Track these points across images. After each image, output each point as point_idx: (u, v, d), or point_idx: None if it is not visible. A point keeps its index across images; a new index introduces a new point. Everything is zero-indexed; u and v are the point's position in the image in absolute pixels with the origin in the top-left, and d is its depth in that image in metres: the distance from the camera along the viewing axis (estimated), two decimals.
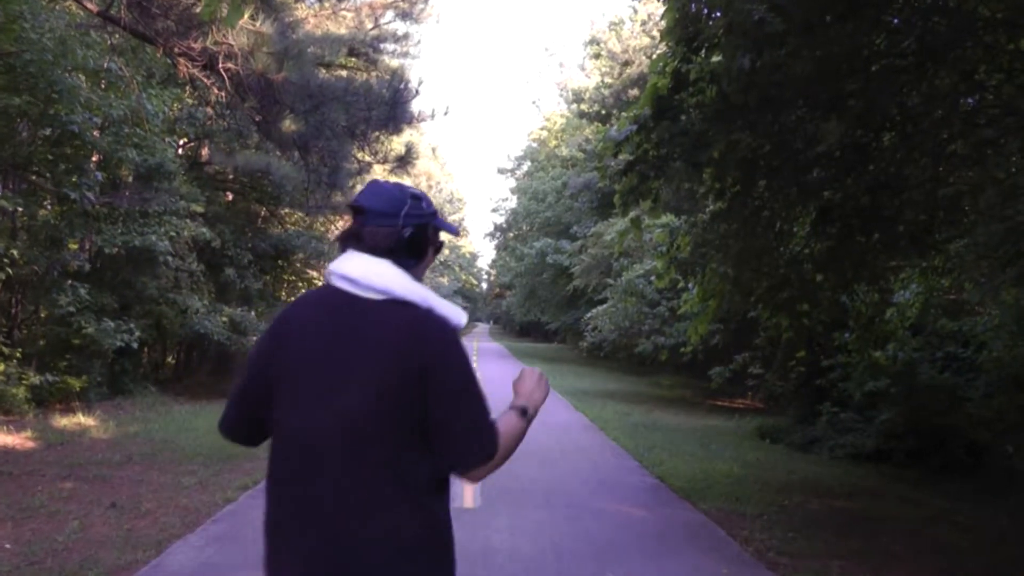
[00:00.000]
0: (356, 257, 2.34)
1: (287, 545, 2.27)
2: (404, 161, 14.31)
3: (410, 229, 2.38)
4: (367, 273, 2.30)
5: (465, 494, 8.86)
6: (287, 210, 24.75)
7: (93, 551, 6.50)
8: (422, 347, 2.22)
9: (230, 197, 23.25)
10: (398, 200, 2.40)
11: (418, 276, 2.45)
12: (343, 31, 19.24)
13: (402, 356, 2.21)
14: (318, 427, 2.22)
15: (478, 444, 2.27)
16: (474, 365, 2.27)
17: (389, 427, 2.18)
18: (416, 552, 2.19)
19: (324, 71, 14.42)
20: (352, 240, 2.38)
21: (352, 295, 2.31)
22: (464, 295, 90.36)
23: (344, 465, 2.19)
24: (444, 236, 2.59)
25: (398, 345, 2.22)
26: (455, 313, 2.36)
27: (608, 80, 50.07)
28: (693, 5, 7.69)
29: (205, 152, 20.85)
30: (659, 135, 8.31)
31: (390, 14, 20.36)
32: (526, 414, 2.55)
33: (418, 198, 2.46)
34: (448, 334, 2.30)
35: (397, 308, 2.27)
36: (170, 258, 16.49)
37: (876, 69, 7.46)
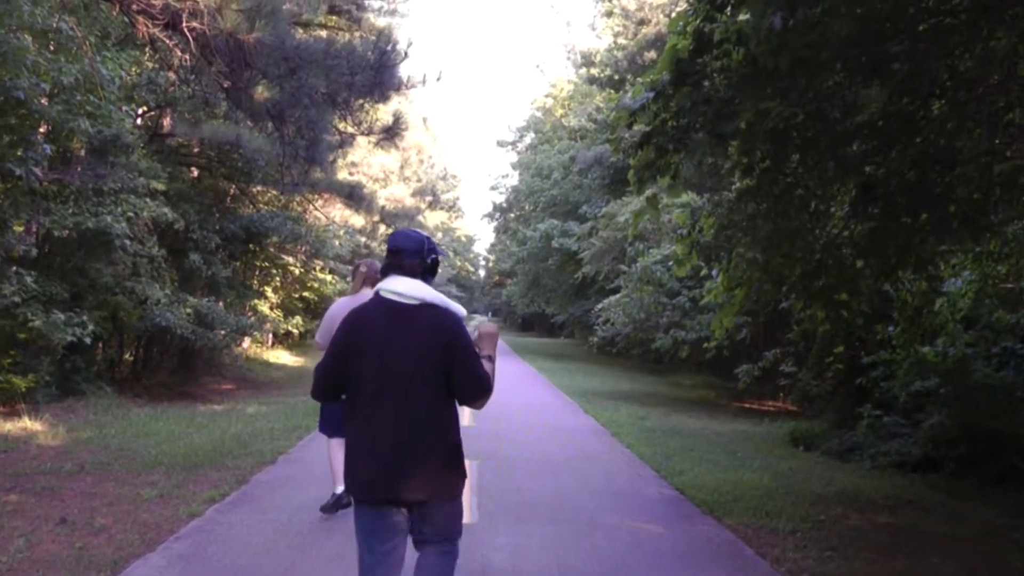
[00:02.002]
0: (400, 279, 4.54)
1: (364, 452, 4.43)
2: (391, 132, 14.27)
3: (431, 258, 4.68)
4: (409, 289, 4.50)
5: (463, 416, 8.90)
6: (259, 188, 24.76)
7: (41, 572, 6.51)
8: (445, 332, 4.44)
9: (195, 173, 23.23)
10: (420, 241, 4.68)
11: (433, 285, 4.66)
12: None
13: (434, 337, 4.42)
14: (385, 380, 4.38)
15: (480, 387, 4.47)
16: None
17: (427, 379, 4.39)
18: (443, 453, 4.45)
19: (301, 31, 14.39)
20: (396, 269, 4.58)
21: (398, 302, 4.48)
22: (459, 283, 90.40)
23: (400, 402, 4.37)
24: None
25: (431, 331, 4.43)
26: (460, 309, 4.61)
27: (621, 41, 50.02)
28: None
29: (167, 122, 20.84)
30: (679, 103, 8.29)
31: None
32: (492, 359, 4.71)
33: (428, 239, 4.75)
34: (459, 323, 4.52)
35: (428, 309, 4.48)
36: (128, 242, 16.44)
37: (924, 29, 7.45)
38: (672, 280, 26.52)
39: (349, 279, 32.46)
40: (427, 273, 4.67)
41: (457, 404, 4.58)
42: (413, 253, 4.63)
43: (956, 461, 13.29)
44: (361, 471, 4.45)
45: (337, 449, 8.82)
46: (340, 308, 8.59)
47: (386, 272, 4.65)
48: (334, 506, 8.77)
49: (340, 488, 8.80)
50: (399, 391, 4.39)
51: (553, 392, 25.25)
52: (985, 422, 12.83)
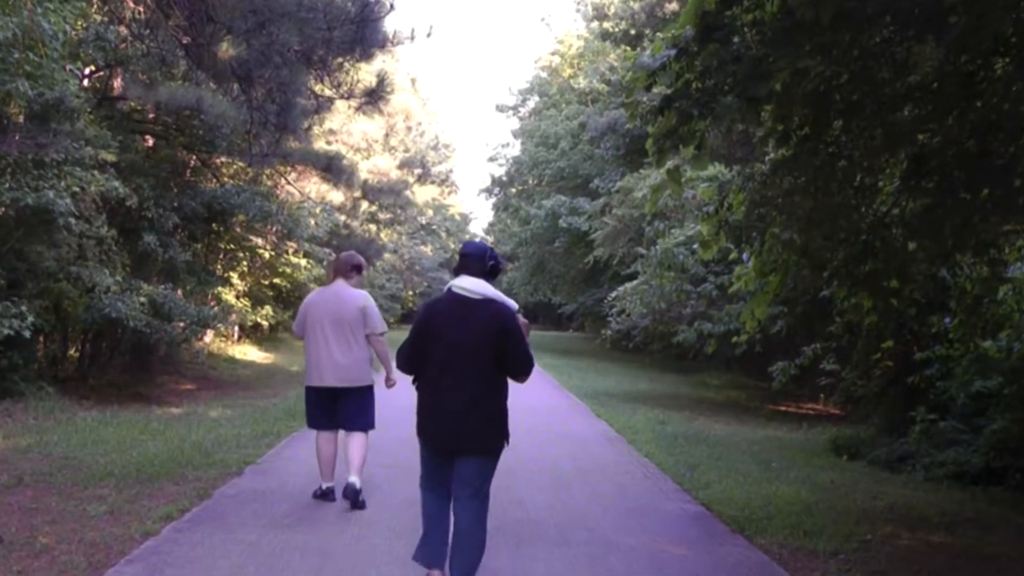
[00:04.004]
0: (468, 278, 6.75)
1: (433, 413, 6.75)
2: (375, 96, 14.24)
3: (491, 263, 6.89)
4: (474, 286, 6.70)
5: None
6: (224, 159, 24.68)
7: None
8: (501, 321, 6.64)
9: (150, 142, 23.21)
10: (483, 250, 6.98)
11: (493, 284, 6.89)
12: None
13: (493, 324, 6.61)
14: (452, 356, 6.63)
15: (527, 365, 6.81)
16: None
17: (486, 356, 6.61)
18: (496, 417, 6.75)
19: None
20: (465, 270, 6.81)
21: (466, 296, 6.69)
22: (451, 269, 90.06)
23: (464, 374, 6.62)
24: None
25: (491, 320, 6.62)
26: (513, 303, 6.83)
27: None
28: None
29: (118, 84, 20.78)
30: (705, 62, 8.29)
31: None
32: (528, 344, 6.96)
33: (491, 248, 7.06)
34: (512, 315, 6.74)
35: (489, 303, 6.69)
36: (72, 221, 16.34)
37: None
38: (697, 265, 26.45)
39: (326, 264, 32.49)
40: (488, 275, 6.91)
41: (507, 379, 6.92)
42: (478, 258, 6.93)
43: (1022, 472, 13.28)
44: (430, 427, 6.86)
45: (325, 443, 10.22)
46: (313, 298, 10.50)
47: (457, 272, 6.96)
48: (322, 496, 10.12)
49: (327, 484, 10.16)
50: (463, 366, 6.66)
51: (561, 393, 25.30)
52: None
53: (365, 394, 10.18)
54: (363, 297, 10.29)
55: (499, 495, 10.52)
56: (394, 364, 7.54)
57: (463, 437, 6.67)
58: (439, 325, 6.80)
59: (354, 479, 9.92)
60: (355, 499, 9.82)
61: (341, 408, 10.17)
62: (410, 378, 7.10)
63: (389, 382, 10.36)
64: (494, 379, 6.77)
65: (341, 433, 10.30)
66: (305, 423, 10.80)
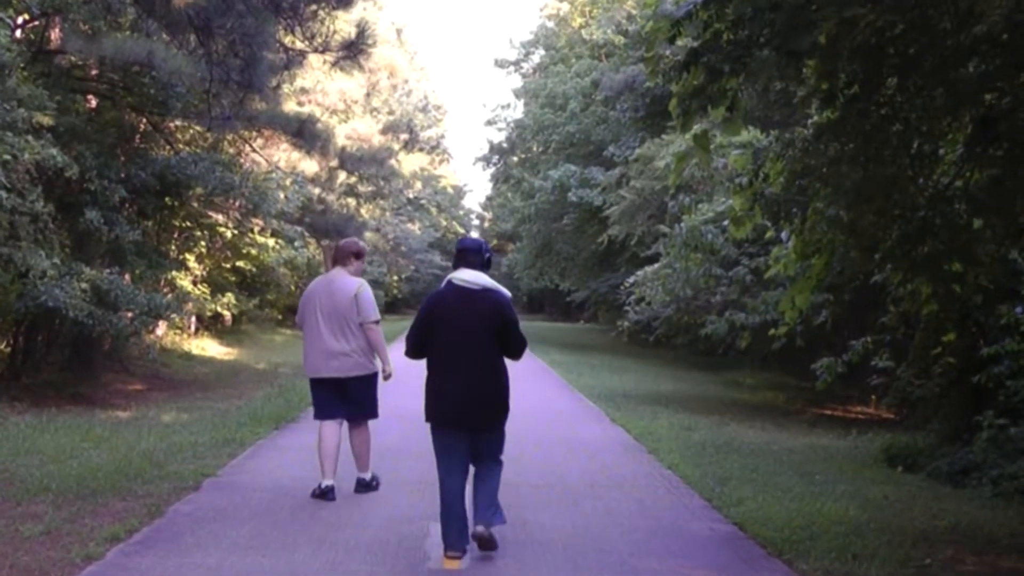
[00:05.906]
0: (467, 271, 9.00)
1: (445, 391, 8.93)
2: (354, 49, 14.23)
3: (487, 255, 9.31)
4: (474, 278, 8.95)
5: None
6: (179, 123, 24.64)
7: None
8: (500, 308, 8.99)
9: (93, 103, 23.15)
10: (480, 244, 9.47)
11: (488, 274, 9.23)
12: None
13: (492, 311, 8.94)
14: (460, 342, 8.86)
15: (522, 346, 9.27)
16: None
17: (488, 339, 8.91)
18: (503, 392, 9.10)
19: None
20: (464, 263, 9.08)
21: (466, 287, 8.93)
22: (443, 250, 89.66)
23: (471, 354, 8.87)
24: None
25: (490, 308, 8.94)
26: (507, 292, 9.27)
27: None
28: None
29: (56, 35, 20.76)
30: (738, 10, 8.29)
31: None
32: None
33: (485, 243, 9.64)
34: (509, 302, 9.19)
35: (487, 292, 8.97)
36: (3, 194, 16.36)
37: None
38: (728, 245, 26.36)
39: (297, 244, 32.43)
40: (485, 267, 9.05)
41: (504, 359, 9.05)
42: (475, 252, 9.10)
43: None
44: (441, 406, 8.90)
45: (329, 434, 11.20)
46: (311, 287, 11.72)
47: (456, 265, 9.04)
48: (321, 496, 10.96)
49: (327, 482, 11.03)
50: (467, 350, 8.75)
51: (570, 394, 25.31)
52: None
53: (369, 382, 11.38)
54: (357, 284, 11.33)
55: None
56: (396, 353, 9.60)
57: (480, 414, 8.88)
58: (445, 314, 8.92)
59: (363, 475, 11.50)
60: (367, 488, 11.44)
61: (349, 398, 11.27)
62: (393, 382, 9.67)
63: (385, 374, 11.32)
64: (497, 360, 8.97)
65: (345, 426, 11.39)
66: (273, 429, 11.14)
